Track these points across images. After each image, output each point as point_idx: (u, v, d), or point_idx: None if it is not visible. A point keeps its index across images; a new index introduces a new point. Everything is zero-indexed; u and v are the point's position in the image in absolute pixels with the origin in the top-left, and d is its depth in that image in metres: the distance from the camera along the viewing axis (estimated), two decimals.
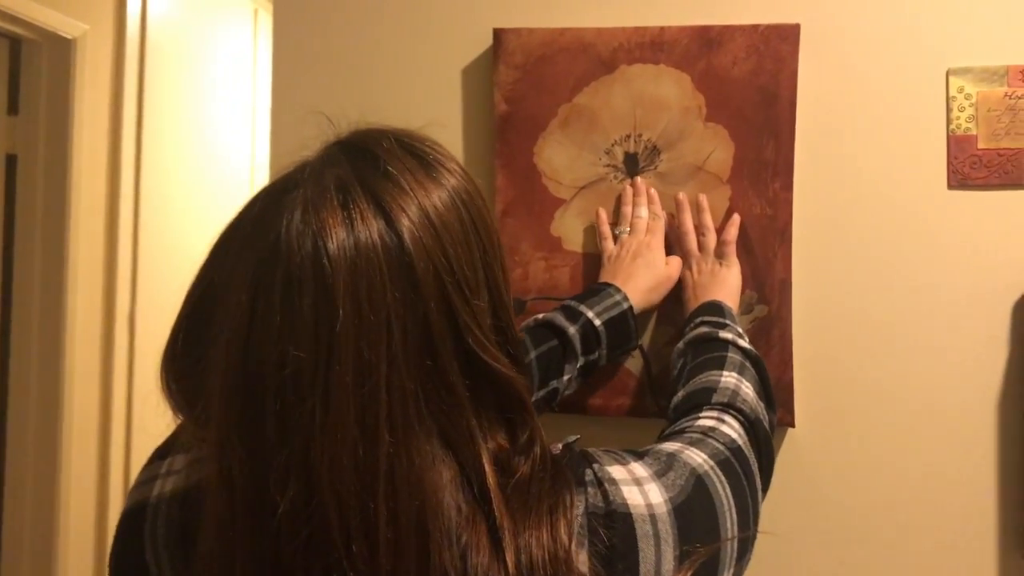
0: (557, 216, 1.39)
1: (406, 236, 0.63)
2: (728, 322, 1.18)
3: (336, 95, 1.48)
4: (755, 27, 1.35)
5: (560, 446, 0.74)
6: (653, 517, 0.69)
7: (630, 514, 0.68)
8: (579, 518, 0.66)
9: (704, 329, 1.16)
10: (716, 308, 1.22)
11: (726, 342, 1.13)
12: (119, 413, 2.79)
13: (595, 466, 0.71)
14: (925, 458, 1.35)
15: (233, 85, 3.44)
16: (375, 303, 0.61)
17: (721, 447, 0.84)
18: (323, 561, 0.59)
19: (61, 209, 2.59)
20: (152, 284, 2.91)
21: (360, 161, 0.69)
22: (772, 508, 1.34)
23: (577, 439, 0.75)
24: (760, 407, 1.01)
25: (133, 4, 2.85)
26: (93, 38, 2.71)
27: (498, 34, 1.41)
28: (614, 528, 0.67)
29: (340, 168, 0.67)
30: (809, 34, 1.36)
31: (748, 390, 1.02)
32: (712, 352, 1.10)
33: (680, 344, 1.18)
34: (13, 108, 2.63)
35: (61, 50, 2.63)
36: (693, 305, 1.27)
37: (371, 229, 0.62)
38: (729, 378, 1.03)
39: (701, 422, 0.91)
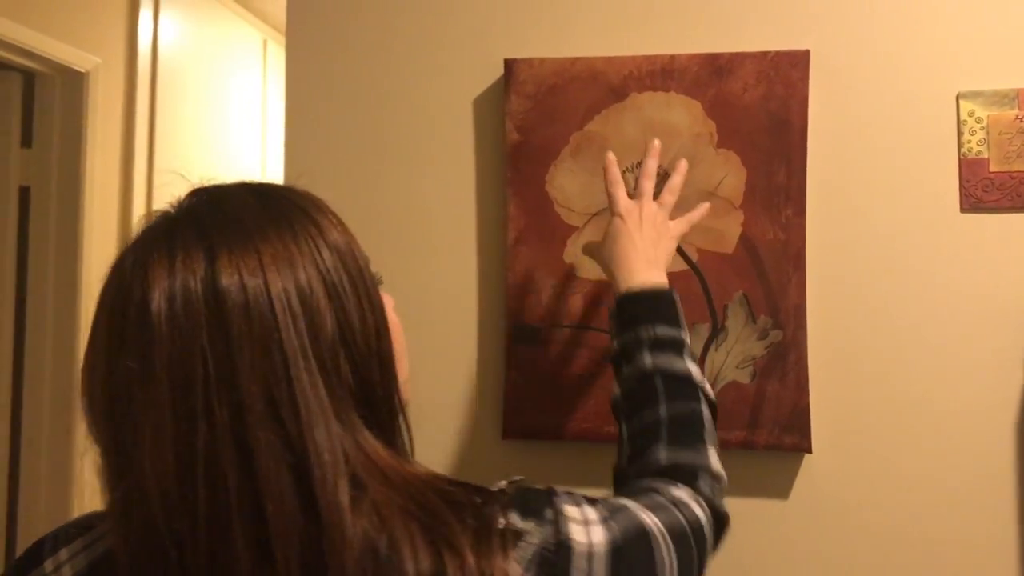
0: (570, 243, 1.39)
1: (223, 282, 0.64)
2: (686, 337, 1.07)
3: (348, 126, 1.49)
4: (765, 54, 1.36)
5: (504, 483, 0.74)
6: (590, 555, 0.70)
7: (572, 548, 0.69)
8: (533, 547, 0.68)
9: (671, 356, 1.04)
10: (670, 304, 1.08)
11: (696, 388, 1.03)
12: None
13: (556, 500, 0.73)
14: (944, 482, 1.34)
15: (243, 116, 3.47)
16: (188, 346, 0.62)
17: (683, 521, 0.84)
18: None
19: (73, 240, 2.61)
20: None
21: (204, 210, 0.70)
22: (789, 533, 1.34)
23: (522, 479, 0.76)
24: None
25: (144, 37, 2.88)
26: (105, 71, 2.74)
27: (509, 64, 1.42)
28: (557, 563, 0.68)
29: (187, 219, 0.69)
30: (819, 60, 1.37)
31: (723, 474, 1.01)
32: (686, 403, 1.01)
33: (647, 360, 1.03)
34: (26, 141, 2.66)
35: (74, 83, 2.66)
36: (632, 260, 1.11)
37: (195, 276, 0.64)
38: (712, 459, 1.00)
39: (675, 492, 0.90)
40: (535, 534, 0.69)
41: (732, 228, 1.35)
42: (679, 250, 1.36)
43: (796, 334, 1.34)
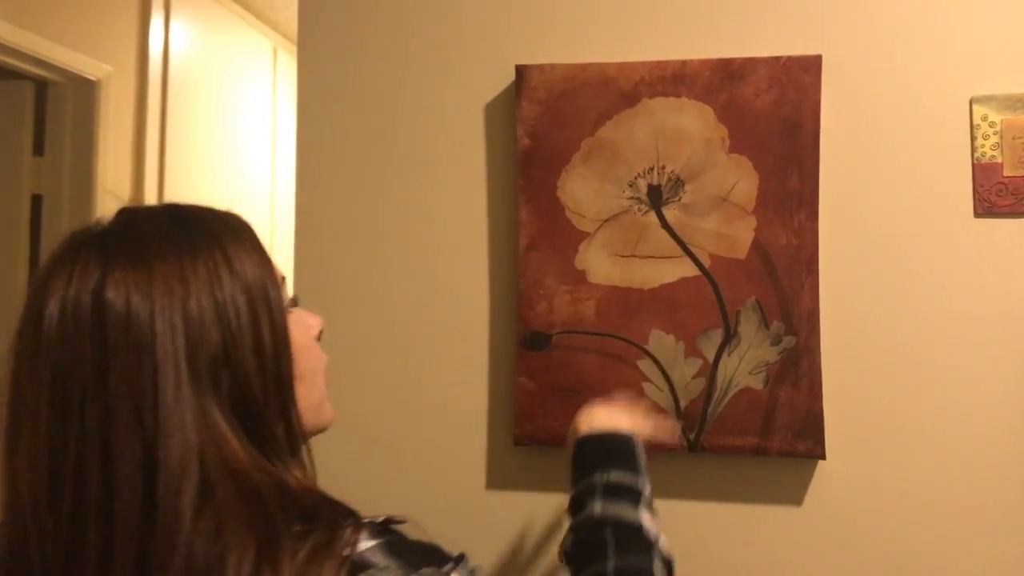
0: (581, 249, 1.39)
1: (109, 294, 0.67)
2: (645, 487, 1.00)
3: (360, 133, 1.49)
4: (777, 59, 1.35)
5: (381, 518, 0.73)
6: None
7: None
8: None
9: (625, 505, 0.97)
10: (629, 449, 1.02)
11: (649, 542, 0.94)
12: None
13: (447, 566, 0.71)
14: (958, 488, 1.33)
15: (253, 123, 3.48)
16: (72, 352, 0.67)
17: None
18: None
19: None
20: None
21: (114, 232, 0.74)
22: (803, 540, 1.33)
23: (402, 521, 0.75)
24: None
25: (155, 45, 2.89)
26: (116, 79, 2.75)
27: (520, 70, 1.42)
28: None
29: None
30: (831, 65, 1.36)
31: None
32: (636, 558, 0.93)
33: (599, 507, 0.96)
34: (38, 149, 2.67)
35: (85, 92, 2.67)
36: (595, 412, 1.08)
37: (87, 288, 0.68)
38: None
39: None
40: (389, 572, 0.67)
41: (744, 233, 1.35)
42: (691, 256, 1.35)
43: (809, 340, 1.33)
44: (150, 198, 2.85)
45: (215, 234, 0.75)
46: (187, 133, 3.04)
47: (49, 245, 2.66)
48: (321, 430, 0.81)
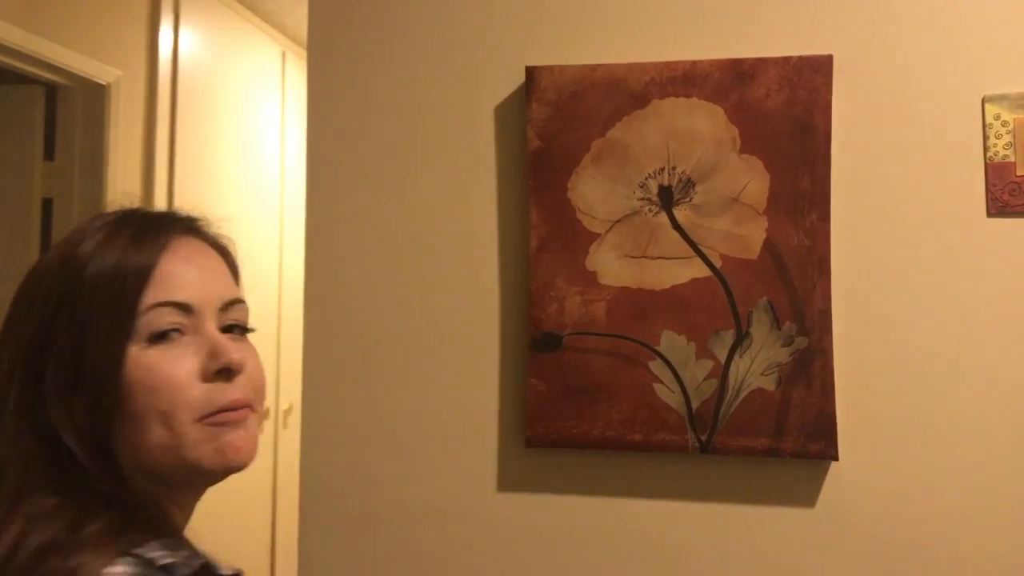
0: (592, 250, 1.39)
1: None
2: None
3: (370, 135, 1.49)
4: (787, 59, 1.35)
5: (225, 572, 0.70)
6: None
7: None
8: None
9: None
10: None
11: None
12: None
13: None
14: (972, 489, 1.32)
15: (262, 127, 3.48)
16: None
17: None
18: None
19: None
20: None
21: None
22: (816, 541, 1.32)
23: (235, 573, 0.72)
24: None
25: (164, 49, 2.90)
26: (126, 83, 2.75)
27: (530, 71, 1.42)
28: None
29: None
30: (842, 64, 1.36)
31: None
32: None
33: None
34: (49, 153, 2.67)
35: (95, 96, 2.67)
36: None
37: None
38: None
39: None
40: None
41: (756, 234, 1.34)
42: (703, 257, 1.35)
43: (821, 340, 1.33)
44: (160, 201, 2.86)
45: (74, 259, 0.75)
46: (197, 137, 3.05)
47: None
48: (207, 472, 0.74)
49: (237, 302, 0.80)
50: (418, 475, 1.45)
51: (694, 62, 1.37)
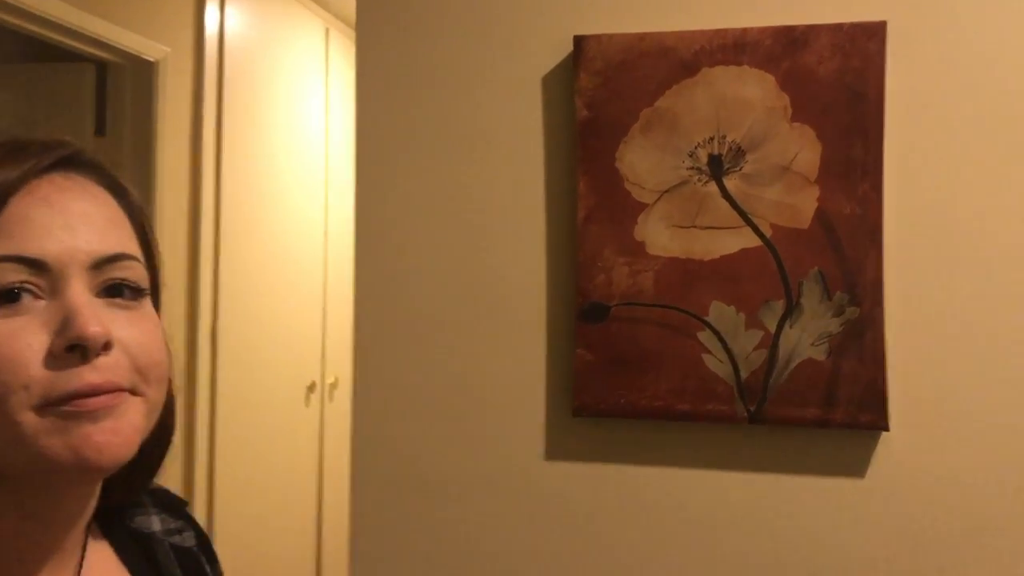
0: (640, 220, 1.39)
1: None
2: None
3: (419, 105, 1.50)
4: (840, 25, 1.33)
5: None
6: None
7: None
8: None
9: None
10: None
11: None
12: (203, 427, 2.85)
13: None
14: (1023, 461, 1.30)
15: (306, 102, 3.51)
16: None
17: None
18: None
19: None
20: (232, 300, 2.97)
21: None
22: (867, 511, 1.32)
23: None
24: None
25: (211, 25, 2.93)
26: (174, 60, 2.79)
27: (578, 41, 1.41)
28: None
29: None
30: (896, 31, 1.34)
31: None
32: None
33: None
34: (100, 130, 2.72)
35: (144, 72, 2.71)
36: None
37: None
38: None
39: None
40: None
41: (807, 203, 1.33)
42: (753, 226, 1.34)
43: (873, 310, 1.31)
44: (208, 176, 2.89)
45: None
46: (243, 112, 3.08)
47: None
48: (57, 470, 0.58)
49: (120, 257, 0.62)
50: (466, 444, 1.47)
51: (744, 29, 1.36)
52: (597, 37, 1.41)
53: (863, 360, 1.31)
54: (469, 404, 1.47)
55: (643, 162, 1.38)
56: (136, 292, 0.63)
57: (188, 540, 0.78)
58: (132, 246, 0.64)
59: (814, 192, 1.33)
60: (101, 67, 2.73)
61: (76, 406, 0.57)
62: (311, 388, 3.48)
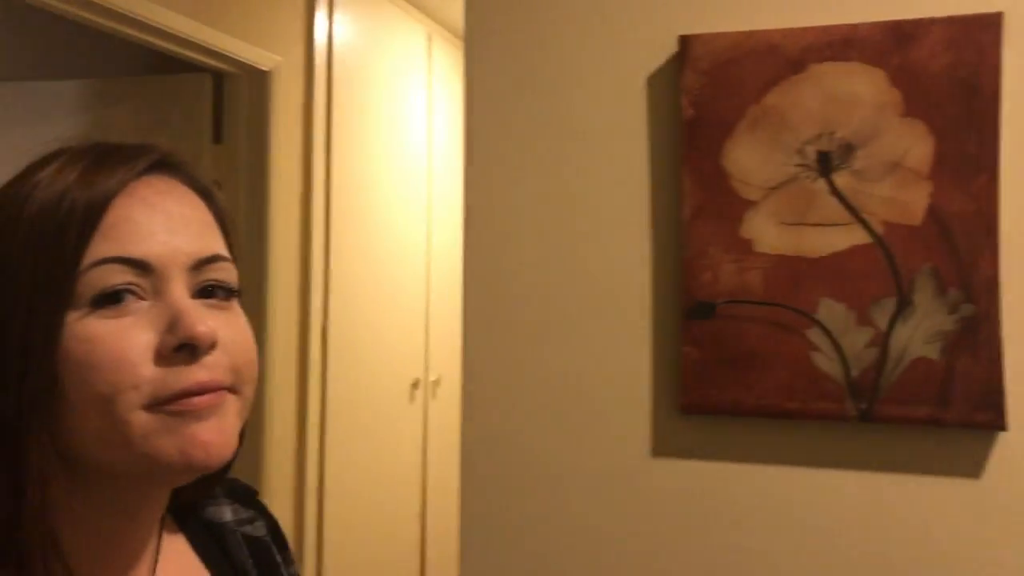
0: (747, 218, 1.39)
1: None
2: None
3: (526, 107, 1.53)
4: (953, 18, 1.31)
5: None
6: None
7: None
8: None
9: None
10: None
11: None
12: (314, 423, 2.95)
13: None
14: None
15: (410, 108, 3.59)
16: None
17: None
18: None
19: (262, 231, 2.78)
20: (341, 301, 3.07)
21: None
22: (983, 513, 1.29)
23: None
24: None
25: (320, 35, 3.03)
26: (286, 69, 2.89)
27: (684, 40, 1.42)
28: None
29: None
30: (1013, 22, 1.31)
31: None
32: None
33: None
34: (217, 137, 2.84)
35: (258, 81, 2.82)
36: None
37: None
38: None
39: None
40: None
41: (919, 199, 1.32)
42: (863, 223, 1.33)
43: (989, 308, 1.29)
44: (318, 180, 2.99)
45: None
46: (349, 117, 3.17)
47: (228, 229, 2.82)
48: (163, 469, 0.59)
49: (216, 259, 0.63)
50: (573, 440, 1.49)
51: (853, 25, 1.35)
52: (703, 36, 1.42)
53: (978, 358, 1.29)
54: (576, 401, 1.50)
55: (750, 159, 1.39)
56: (229, 293, 0.64)
57: (259, 529, 0.79)
58: (224, 248, 0.65)
59: (926, 188, 1.31)
60: (217, 77, 2.85)
61: (184, 405, 0.58)
62: (415, 385, 3.56)
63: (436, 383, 3.70)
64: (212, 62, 2.71)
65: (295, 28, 2.97)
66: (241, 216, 2.77)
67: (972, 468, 1.32)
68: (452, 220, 3.57)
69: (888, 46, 1.33)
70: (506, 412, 1.53)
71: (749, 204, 1.39)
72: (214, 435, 0.59)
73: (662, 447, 1.46)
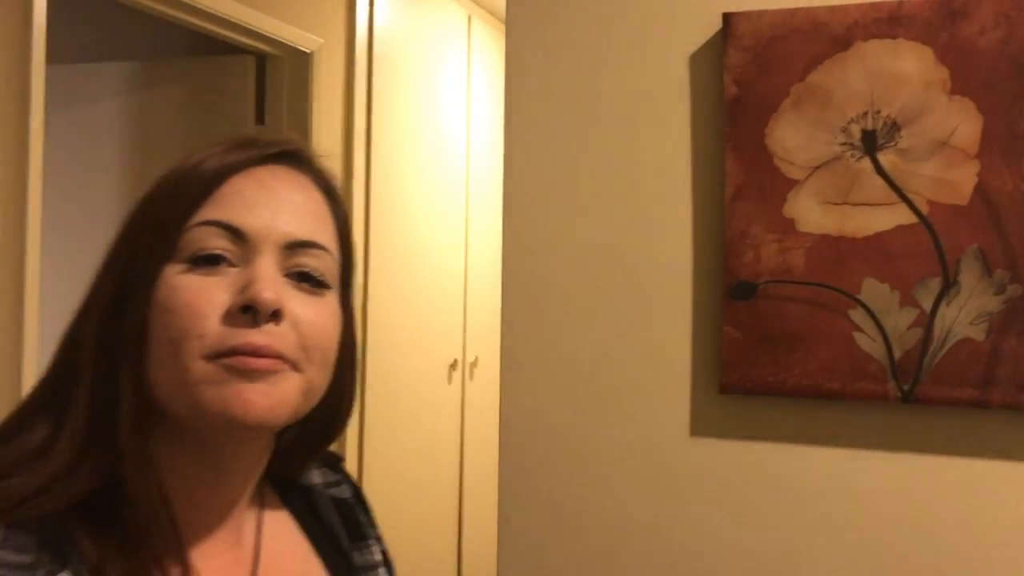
0: (790, 197, 1.38)
1: None
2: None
3: (567, 85, 1.53)
4: None
5: None
6: None
7: None
8: None
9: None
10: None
11: None
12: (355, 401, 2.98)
13: None
14: None
15: (450, 91, 3.60)
16: None
17: None
18: None
19: None
20: (380, 281, 3.09)
21: None
22: (1013, 502, 1.28)
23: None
24: None
25: (361, 17, 3.04)
26: (328, 51, 2.91)
27: (728, 18, 1.41)
28: None
29: None
30: None
31: None
32: None
33: None
34: (260, 119, 2.87)
35: (300, 63, 2.84)
36: None
37: None
38: None
39: None
40: None
41: (966, 179, 1.30)
42: (908, 203, 1.32)
43: None
44: (359, 161, 3.01)
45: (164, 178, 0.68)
46: (391, 101, 3.19)
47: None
48: (211, 420, 0.63)
49: (312, 245, 0.67)
50: (613, 418, 1.50)
51: (900, 2, 1.33)
52: (747, 14, 1.40)
53: None
54: (615, 379, 1.50)
55: (794, 138, 1.38)
56: (319, 283, 0.67)
57: (345, 492, 0.85)
58: (328, 240, 0.70)
59: (974, 167, 1.29)
60: (261, 59, 2.88)
61: (237, 362, 0.62)
62: (453, 366, 3.58)
63: (474, 364, 3.72)
64: (256, 44, 2.74)
65: (337, 10, 2.99)
66: None
67: (1017, 450, 1.31)
68: (491, 201, 3.58)
69: (936, 22, 1.31)
70: (544, 392, 1.54)
71: (792, 183, 1.38)
72: (259, 397, 0.62)
73: (701, 427, 1.46)
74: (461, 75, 3.69)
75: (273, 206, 0.66)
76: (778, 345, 1.38)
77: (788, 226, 1.38)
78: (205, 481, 0.68)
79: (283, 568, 0.75)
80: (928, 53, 1.32)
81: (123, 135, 2.98)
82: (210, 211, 0.65)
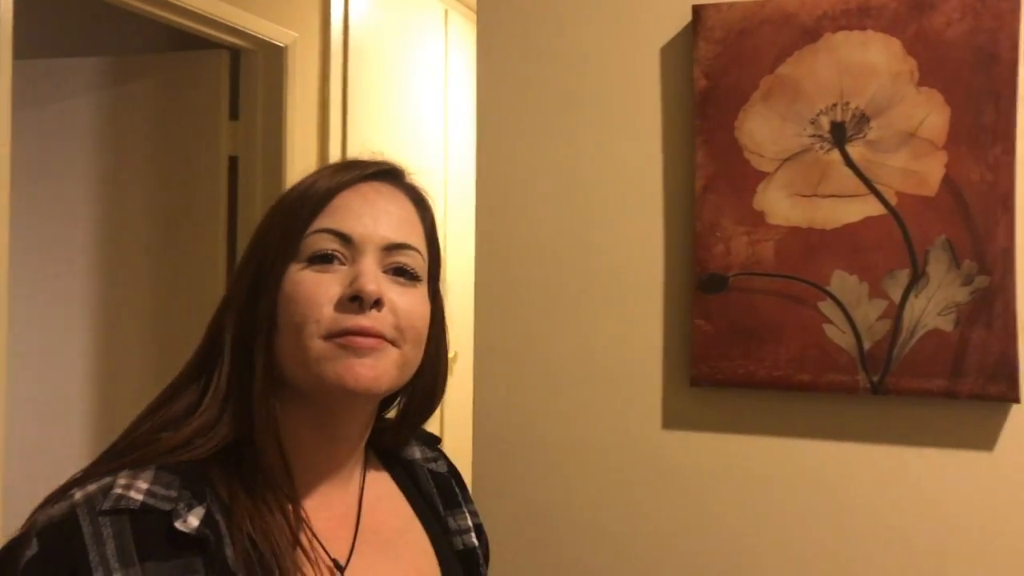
0: (760, 189, 1.38)
1: None
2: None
3: (538, 79, 1.53)
4: None
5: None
6: None
7: None
8: None
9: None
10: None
11: None
12: None
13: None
14: None
15: (426, 83, 3.58)
16: None
17: None
18: None
19: None
20: None
21: None
22: (995, 485, 1.29)
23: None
24: None
25: (336, 11, 3.02)
26: (302, 45, 2.89)
27: (697, 10, 1.41)
28: None
29: None
30: None
31: None
32: None
33: None
34: (234, 113, 2.85)
35: (274, 57, 2.83)
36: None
37: None
38: None
39: None
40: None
41: (934, 170, 1.30)
42: (877, 194, 1.32)
43: (1004, 279, 1.28)
44: (334, 158, 3.00)
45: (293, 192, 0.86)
46: (366, 95, 3.17)
47: (245, 203, 2.87)
48: (327, 389, 0.79)
49: (405, 247, 0.84)
50: (585, 412, 1.49)
51: None
52: (716, 5, 1.40)
53: (992, 330, 1.28)
54: (587, 373, 1.50)
55: (763, 130, 1.38)
56: (412, 276, 0.84)
57: (442, 467, 1.02)
58: (418, 242, 0.87)
59: (942, 158, 1.30)
60: (235, 54, 2.86)
61: (348, 341, 0.78)
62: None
63: (453, 359, 3.71)
64: (229, 38, 2.72)
65: (312, 3, 2.97)
66: (258, 191, 2.78)
67: (985, 440, 1.32)
68: (469, 196, 3.56)
69: (904, 14, 1.31)
70: (517, 385, 1.53)
71: (762, 175, 1.38)
72: (366, 370, 0.79)
73: (673, 419, 1.46)
74: (438, 69, 3.67)
75: (374, 215, 0.83)
76: (748, 337, 1.38)
77: (758, 218, 1.38)
78: (319, 446, 0.84)
79: (384, 524, 0.89)
80: (896, 44, 1.32)
81: (94, 132, 2.94)
82: (324, 220, 0.81)
